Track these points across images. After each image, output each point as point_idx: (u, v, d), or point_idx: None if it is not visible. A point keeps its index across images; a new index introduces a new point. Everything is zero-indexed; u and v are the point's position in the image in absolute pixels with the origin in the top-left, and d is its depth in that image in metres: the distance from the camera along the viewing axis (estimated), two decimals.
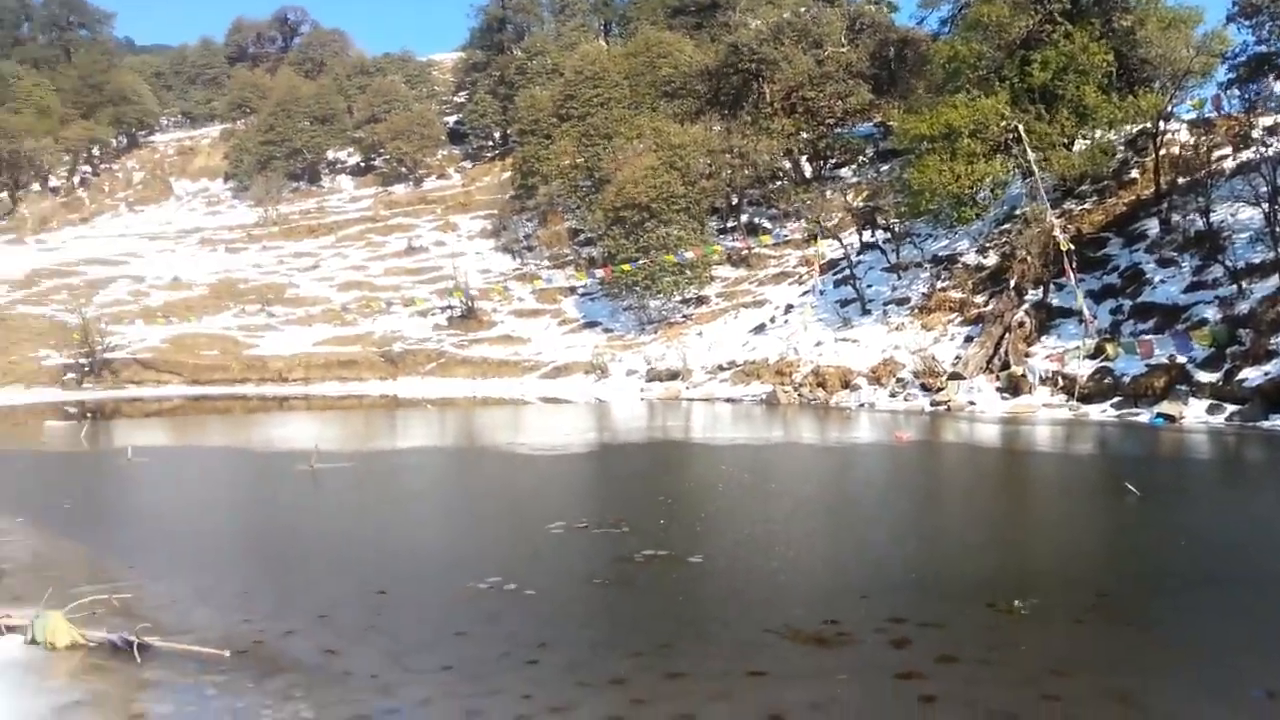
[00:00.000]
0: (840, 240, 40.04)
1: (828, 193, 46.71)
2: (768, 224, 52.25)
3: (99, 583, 8.60)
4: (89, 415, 34.76)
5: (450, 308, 56.25)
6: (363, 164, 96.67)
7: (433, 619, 7.58)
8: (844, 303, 36.97)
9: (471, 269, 59.56)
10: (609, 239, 47.58)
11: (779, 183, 51.78)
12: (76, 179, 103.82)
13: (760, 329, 39.68)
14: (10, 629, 7.16)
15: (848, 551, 9.90)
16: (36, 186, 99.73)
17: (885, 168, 47.53)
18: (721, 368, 36.82)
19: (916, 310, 33.54)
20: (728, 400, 32.98)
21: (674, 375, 37.84)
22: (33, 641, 6.95)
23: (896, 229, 38.81)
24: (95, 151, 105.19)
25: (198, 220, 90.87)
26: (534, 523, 11.47)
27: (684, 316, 46.28)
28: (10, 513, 13.07)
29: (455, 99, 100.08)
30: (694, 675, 5.99)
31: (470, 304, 55.22)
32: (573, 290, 55.26)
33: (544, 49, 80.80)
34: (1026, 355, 27.15)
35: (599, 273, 47.54)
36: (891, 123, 44.11)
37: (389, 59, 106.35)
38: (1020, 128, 30.76)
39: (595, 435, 24.21)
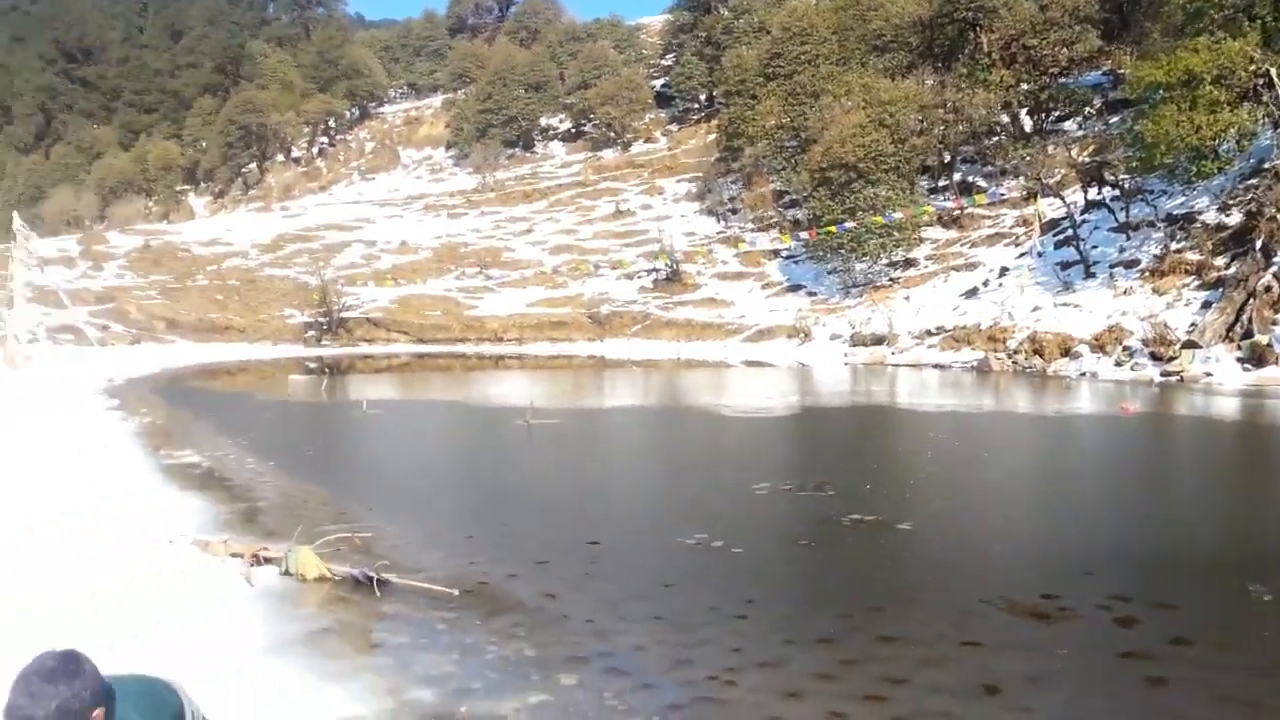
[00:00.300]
0: (1062, 198, 37.66)
1: (1049, 148, 43.91)
2: (982, 182, 49.86)
3: (341, 523, 9.39)
4: (327, 370, 37.70)
5: (655, 270, 57.03)
6: (573, 130, 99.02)
7: (643, 570, 7.85)
8: (1065, 265, 34.86)
9: (676, 232, 60.07)
10: (814, 200, 46.79)
11: (996, 138, 49.20)
12: (315, 150, 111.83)
13: (972, 293, 38.07)
14: (268, 560, 7.91)
15: (1067, 525, 9.46)
16: (281, 157, 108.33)
17: (1114, 119, 44.17)
18: (929, 333, 35.65)
19: (1147, 273, 31.20)
20: (935, 366, 31.95)
21: (879, 340, 36.98)
22: (286, 573, 7.67)
23: (1126, 185, 36.08)
24: (331, 123, 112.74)
25: (422, 187, 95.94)
26: (739, 483, 11.61)
27: (890, 280, 45.00)
28: (262, 457, 14.44)
29: (662, 62, 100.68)
30: (905, 640, 5.95)
31: (675, 267, 55.77)
32: (776, 253, 54.76)
33: (751, 7, 79.69)
34: (1273, 323, 24.78)
35: (803, 235, 46.86)
36: (1123, 70, 40.85)
37: (599, 24, 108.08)
38: (1273, 71, 27.89)
39: (798, 399, 24.08)
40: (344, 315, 55.19)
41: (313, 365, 40.83)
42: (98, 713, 2.68)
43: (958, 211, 47.33)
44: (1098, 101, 49.52)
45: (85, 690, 2.64)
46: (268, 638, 6.11)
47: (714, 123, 76.38)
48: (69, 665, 2.66)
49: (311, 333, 54.73)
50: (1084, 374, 27.01)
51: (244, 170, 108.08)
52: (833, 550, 8.39)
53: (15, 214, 38.40)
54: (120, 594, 6.76)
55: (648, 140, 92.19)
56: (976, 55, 49.98)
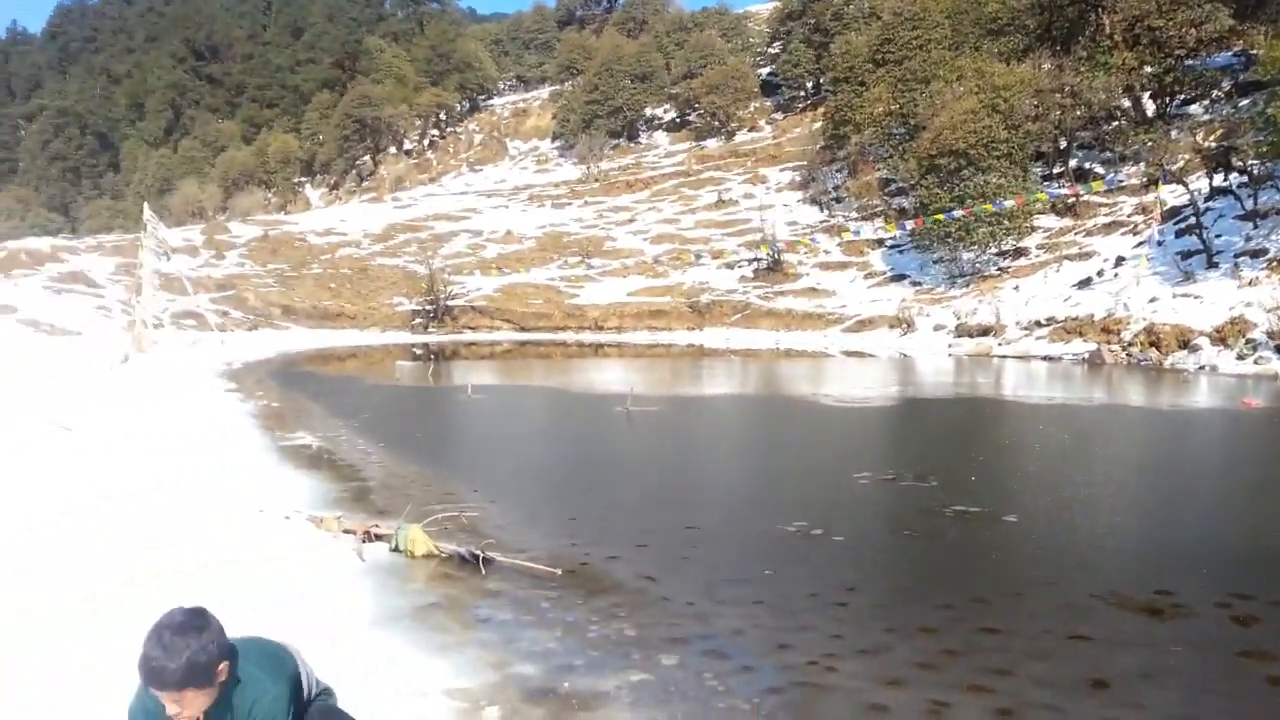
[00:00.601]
0: (1186, 185, 36.02)
1: (1173, 133, 42.06)
2: (1100, 169, 48.06)
3: (447, 503, 9.64)
4: (433, 356, 38.66)
5: (757, 260, 56.73)
6: (678, 119, 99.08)
7: (742, 556, 7.85)
8: (1186, 255, 33.38)
9: (779, 221, 59.63)
10: (922, 188, 45.85)
11: (1116, 123, 47.36)
12: (426, 142, 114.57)
13: (1085, 283, 36.79)
14: (378, 537, 8.18)
15: (1182, 521, 9.10)
16: (393, 150, 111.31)
17: (1245, 103, 42.02)
18: (1039, 324, 34.60)
19: (1275, 263, 29.67)
20: (1045, 359, 30.99)
21: (985, 331, 36.06)
22: (395, 549, 7.92)
23: (1256, 171, 34.29)
24: (442, 116, 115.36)
25: (528, 178, 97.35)
26: (840, 472, 11.51)
27: (999, 269, 43.82)
28: (372, 439, 14.92)
29: (769, 50, 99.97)
30: (1010, 633, 5.83)
31: (776, 256, 55.38)
32: (880, 243, 53.91)
33: None
34: None
35: (909, 224, 45.97)
36: (1256, 51, 38.80)
37: (706, 14, 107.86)
38: None
39: (900, 389, 23.66)
40: (450, 303, 56.49)
41: (419, 351, 41.92)
42: (223, 666, 2.86)
43: (1072, 199, 45.76)
44: (1226, 84, 47.20)
45: (212, 644, 2.82)
46: (377, 611, 6.32)
47: (820, 110, 75.54)
48: (197, 620, 2.83)
49: (418, 320, 56.19)
50: (1203, 367, 25.87)
51: (358, 163, 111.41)
52: (935, 541, 8.25)
53: (145, 205, 40.45)
54: (243, 563, 7.10)
55: (752, 129, 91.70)
56: (1098, 37, 48.13)
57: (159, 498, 9.39)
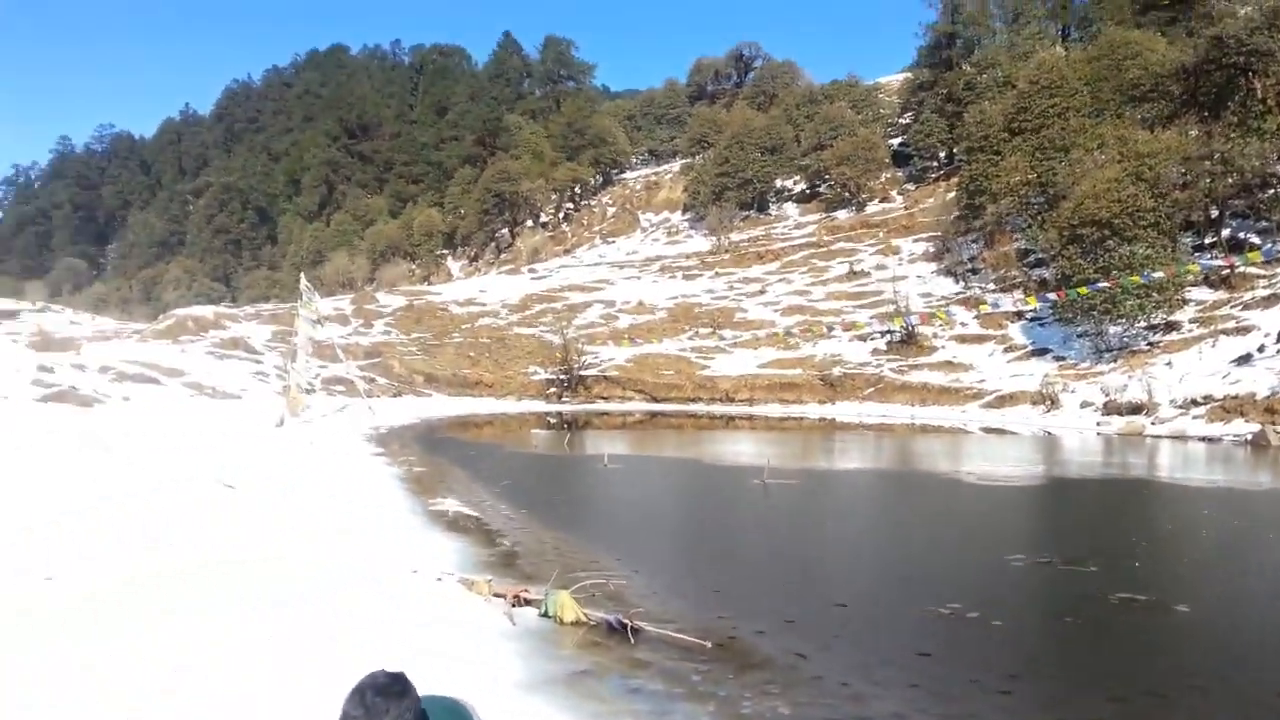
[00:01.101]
0: None
1: None
2: (1256, 239, 45.59)
3: (591, 570, 9.74)
4: (566, 425, 39.25)
5: (890, 332, 55.78)
6: (808, 190, 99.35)
7: (895, 637, 7.66)
8: None
9: (912, 293, 58.65)
10: (1063, 259, 44.40)
11: (1272, 190, 45.02)
12: (561, 214, 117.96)
13: (1245, 359, 34.71)
14: (528, 602, 8.32)
15: None
16: (530, 223, 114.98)
17: None
18: (1195, 402, 32.74)
19: None
20: (1203, 439, 29.27)
21: (1136, 409, 34.33)
22: (544, 614, 8.03)
23: None
24: (577, 190, 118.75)
25: (659, 249, 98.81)
26: (991, 552, 11.12)
27: (1149, 344, 41.81)
28: (515, 505, 15.22)
29: (900, 121, 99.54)
30: None
31: (910, 329, 54.34)
32: (1020, 315, 52.25)
33: (995, 61, 77.62)
34: None
35: (1050, 296, 44.41)
36: None
37: (836, 86, 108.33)
38: None
39: (1048, 468, 22.73)
40: (583, 373, 57.35)
41: (553, 420, 42.63)
42: None
43: (1227, 270, 43.46)
44: None
45: (409, 711, 2.94)
46: (529, 675, 6.42)
47: (954, 180, 74.45)
48: (398, 685, 2.96)
49: (553, 389, 57.18)
50: None
51: (497, 235, 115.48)
52: (1101, 629, 7.86)
53: (302, 275, 42.78)
54: (395, 620, 7.32)
55: (883, 200, 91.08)
56: (1249, 102, 46.10)
57: (317, 551, 9.81)
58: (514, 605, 8.22)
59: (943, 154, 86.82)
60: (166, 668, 5.71)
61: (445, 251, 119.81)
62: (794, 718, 5.73)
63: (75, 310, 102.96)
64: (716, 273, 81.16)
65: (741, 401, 53.18)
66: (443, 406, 50.23)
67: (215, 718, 5.00)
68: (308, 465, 19.39)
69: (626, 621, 7.50)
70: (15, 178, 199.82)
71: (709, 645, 7.10)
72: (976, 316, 54.87)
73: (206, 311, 70.11)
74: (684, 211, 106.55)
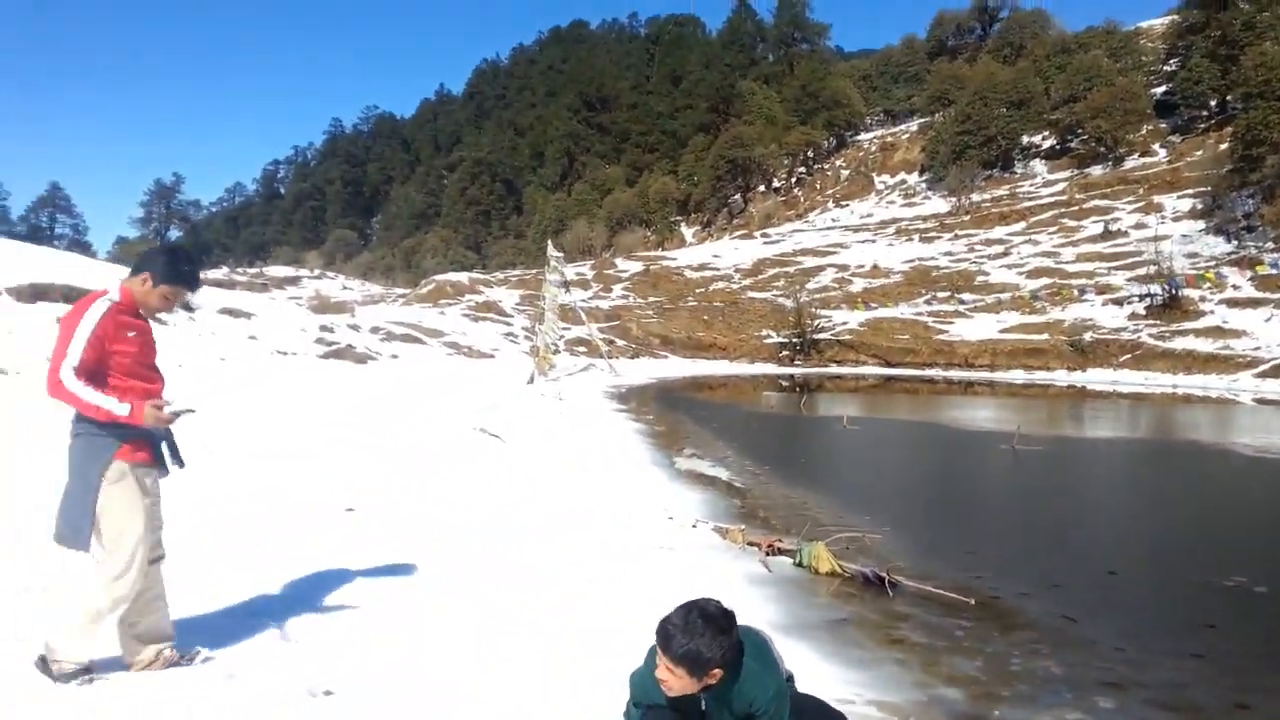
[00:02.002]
0: None
1: None
2: None
3: (842, 526, 9.75)
4: (799, 387, 39.09)
5: (1149, 295, 51.72)
6: (1057, 146, 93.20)
7: (1172, 606, 7.26)
8: None
9: (1176, 253, 54.00)
10: None
11: None
12: (794, 179, 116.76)
13: None
14: (782, 551, 8.45)
15: None
16: (762, 188, 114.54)
17: None
18: None
19: None
20: None
21: None
22: (799, 564, 8.13)
23: None
24: (810, 154, 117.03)
25: (895, 212, 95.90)
26: (1278, 527, 10.24)
27: None
28: (756, 461, 15.41)
29: (1163, 68, 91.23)
30: None
31: (1173, 291, 50.14)
32: None
33: None
34: None
35: None
36: None
37: (1091, 33, 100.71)
38: None
39: None
40: (815, 337, 56.82)
41: (784, 383, 42.56)
42: (717, 672, 3.13)
43: None
44: None
45: (722, 650, 3.10)
46: (786, 619, 6.53)
47: (1227, 131, 67.68)
48: (724, 621, 3.13)
49: (785, 352, 57.04)
50: None
51: (729, 201, 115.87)
52: None
53: (549, 243, 44.79)
54: (653, 560, 7.65)
55: (1143, 154, 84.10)
56: None
57: (576, 495, 10.38)
58: (768, 554, 8.37)
59: (1214, 102, 79.08)
60: (467, 584, 6.28)
61: (679, 218, 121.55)
62: (1067, 678, 5.56)
63: (346, 277, 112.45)
64: (956, 234, 77.92)
65: (981, 367, 51.04)
66: (678, 368, 51.30)
67: (489, 632, 5.45)
68: (558, 419, 20.42)
69: (884, 575, 7.49)
70: (295, 157, 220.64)
71: (972, 603, 6.99)
72: (1252, 278, 49.89)
73: (461, 277, 74.82)
74: (921, 172, 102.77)
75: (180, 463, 4.56)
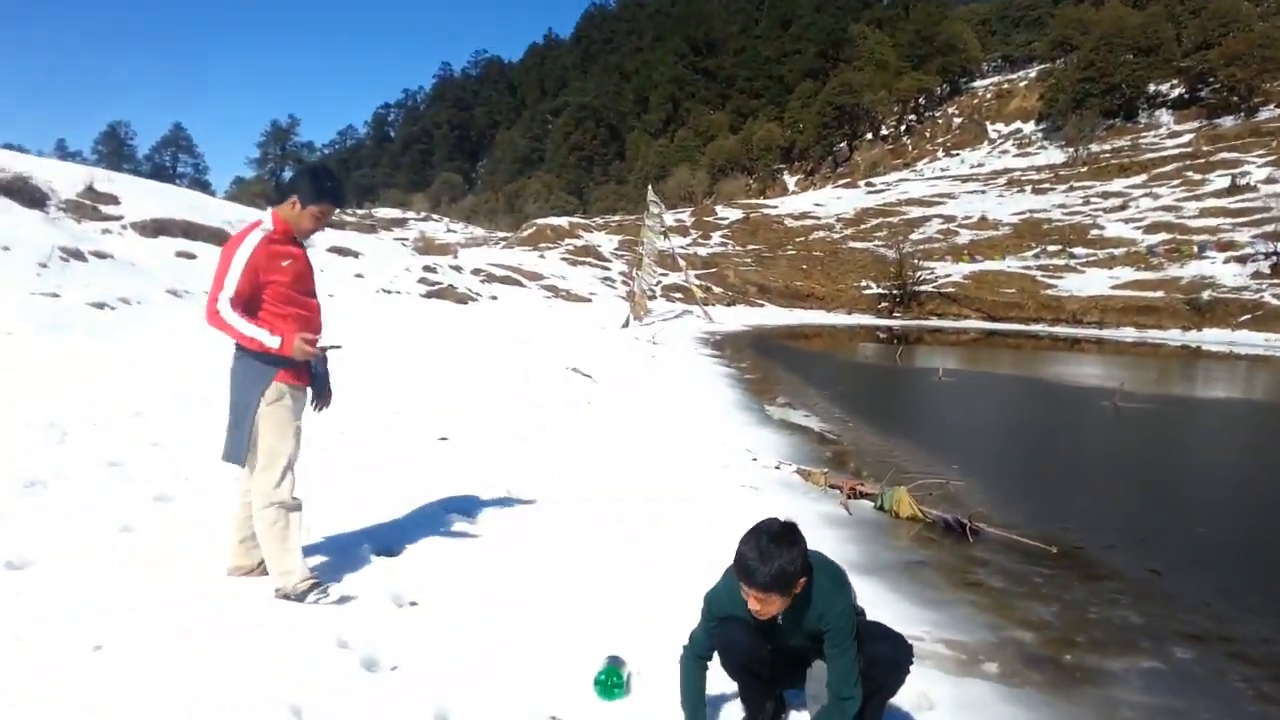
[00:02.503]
0: None
1: None
2: None
3: (927, 474, 9.70)
4: (897, 339, 38.45)
5: (1276, 253, 49.01)
6: (1186, 95, 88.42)
7: (1264, 567, 7.07)
8: None
9: None
10: None
11: None
12: (903, 127, 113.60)
13: None
14: (863, 495, 8.48)
15: None
16: (869, 136, 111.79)
17: None
18: None
19: None
20: None
21: None
22: (879, 508, 8.16)
23: None
24: (921, 101, 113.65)
25: (1007, 162, 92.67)
26: None
27: None
28: (847, 409, 15.33)
29: None
30: None
31: None
32: None
33: None
34: None
35: None
36: None
37: None
38: None
39: None
40: (917, 289, 55.62)
41: (883, 334, 41.91)
42: (802, 580, 3.24)
43: None
44: None
45: (799, 559, 3.21)
46: (864, 560, 6.59)
47: None
48: (790, 534, 3.24)
49: (884, 304, 56.05)
50: None
51: (834, 149, 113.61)
52: None
53: (650, 189, 44.69)
54: (738, 498, 7.77)
55: None
56: None
57: (665, 434, 10.55)
58: (849, 497, 8.41)
59: None
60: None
61: (782, 165, 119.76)
62: (1146, 628, 5.50)
63: (451, 220, 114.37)
64: (1071, 186, 74.93)
65: (1090, 324, 49.30)
66: (774, 316, 50.98)
67: (572, 554, 5.65)
68: (650, 362, 20.61)
69: (965, 521, 7.46)
70: (405, 101, 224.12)
71: (1053, 551, 6.93)
72: None
73: (562, 222, 75.37)
74: (1038, 121, 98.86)
75: (327, 399, 4.79)
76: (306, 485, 6.33)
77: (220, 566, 4.77)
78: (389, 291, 29.48)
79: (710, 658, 3.47)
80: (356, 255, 32.30)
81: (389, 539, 5.59)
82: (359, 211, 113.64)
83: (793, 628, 3.34)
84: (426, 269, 35.55)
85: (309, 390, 4.66)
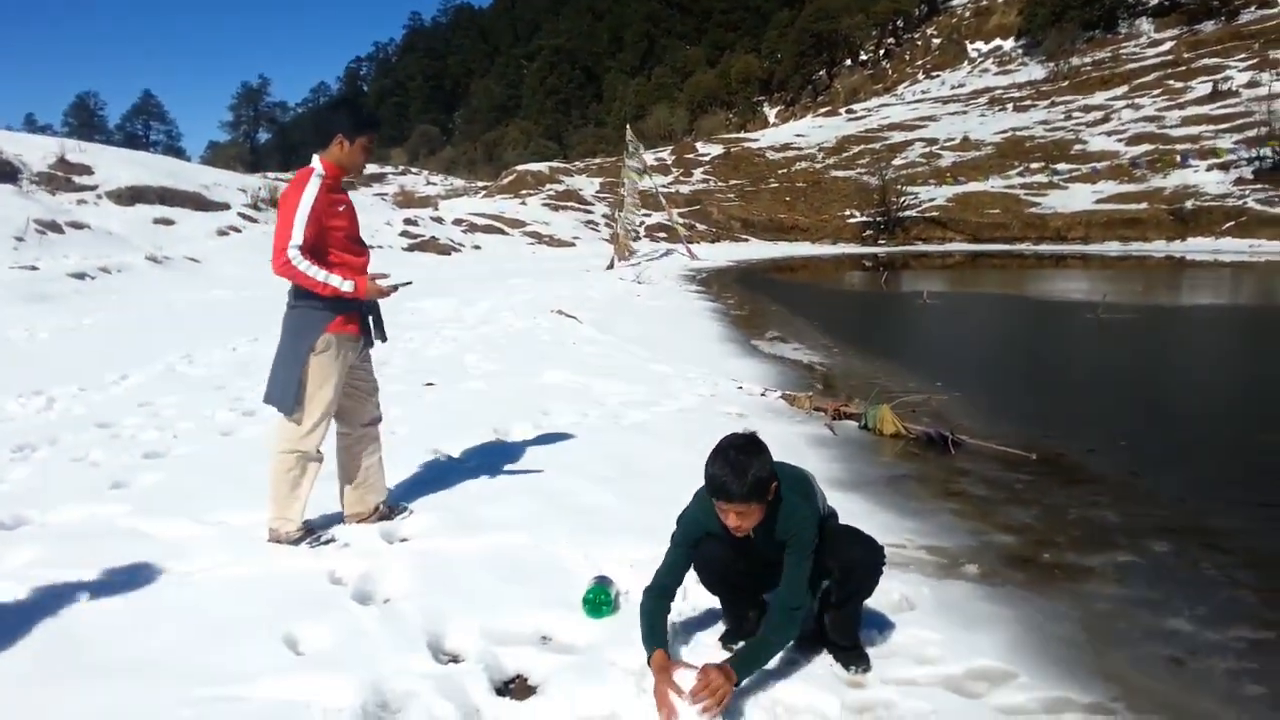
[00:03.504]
0: None
1: None
2: None
3: (911, 392, 9.80)
4: (882, 267, 38.47)
5: (1259, 159, 48.93)
6: (1165, 2, 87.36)
7: (1242, 462, 7.21)
8: None
9: None
10: None
11: None
12: (881, 52, 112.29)
13: None
14: (848, 415, 8.57)
15: None
16: (848, 63, 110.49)
17: None
18: None
19: None
20: None
21: None
22: (864, 427, 8.25)
23: None
24: (899, 23, 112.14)
25: (988, 81, 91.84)
26: None
27: None
28: (833, 336, 15.41)
29: None
30: None
31: None
32: None
33: None
34: None
35: None
36: None
37: None
38: None
39: None
40: (901, 215, 55.51)
41: (868, 264, 41.90)
42: (774, 484, 3.32)
43: None
44: None
45: (768, 465, 3.28)
46: (848, 476, 6.69)
47: None
48: (755, 444, 3.31)
49: (869, 232, 55.95)
50: None
51: (813, 78, 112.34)
52: None
53: (628, 128, 44.20)
54: (729, 424, 7.84)
55: (1261, 5, 78.27)
56: None
57: (649, 368, 10.63)
58: (834, 418, 8.50)
59: None
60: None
61: (761, 98, 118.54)
62: (1124, 526, 5.63)
63: (430, 172, 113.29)
64: (1052, 102, 74.42)
65: (1075, 240, 49.41)
66: (759, 250, 50.89)
67: (554, 486, 5.74)
68: (635, 301, 20.63)
69: (947, 434, 7.57)
70: (376, 54, 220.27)
71: (1033, 457, 7.05)
72: None
73: (542, 167, 74.68)
74: (1018, 37, 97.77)
75: (383, 336, 4.91)
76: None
77: (215, 514, 4.87)
78: (370, 247, 29.31)
79: (676, 589, 3.51)
80: None
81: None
82: None
83: (765, 541, 3.42)
84: (407, 222, 35.36)
85: (360, 338, 4.73)
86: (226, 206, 26.12)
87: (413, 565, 4.36)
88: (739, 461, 3.20)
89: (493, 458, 6.39)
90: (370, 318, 4.77)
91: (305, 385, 4.48)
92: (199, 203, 25.18)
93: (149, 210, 23.05)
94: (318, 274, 4.32)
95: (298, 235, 4.26)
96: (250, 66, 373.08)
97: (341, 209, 4.49)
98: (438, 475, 5.95)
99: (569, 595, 4.03)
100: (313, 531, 4.65)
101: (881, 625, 3.93)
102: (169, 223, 22.39)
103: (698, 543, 3.47)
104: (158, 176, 25.68)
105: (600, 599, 3.92)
